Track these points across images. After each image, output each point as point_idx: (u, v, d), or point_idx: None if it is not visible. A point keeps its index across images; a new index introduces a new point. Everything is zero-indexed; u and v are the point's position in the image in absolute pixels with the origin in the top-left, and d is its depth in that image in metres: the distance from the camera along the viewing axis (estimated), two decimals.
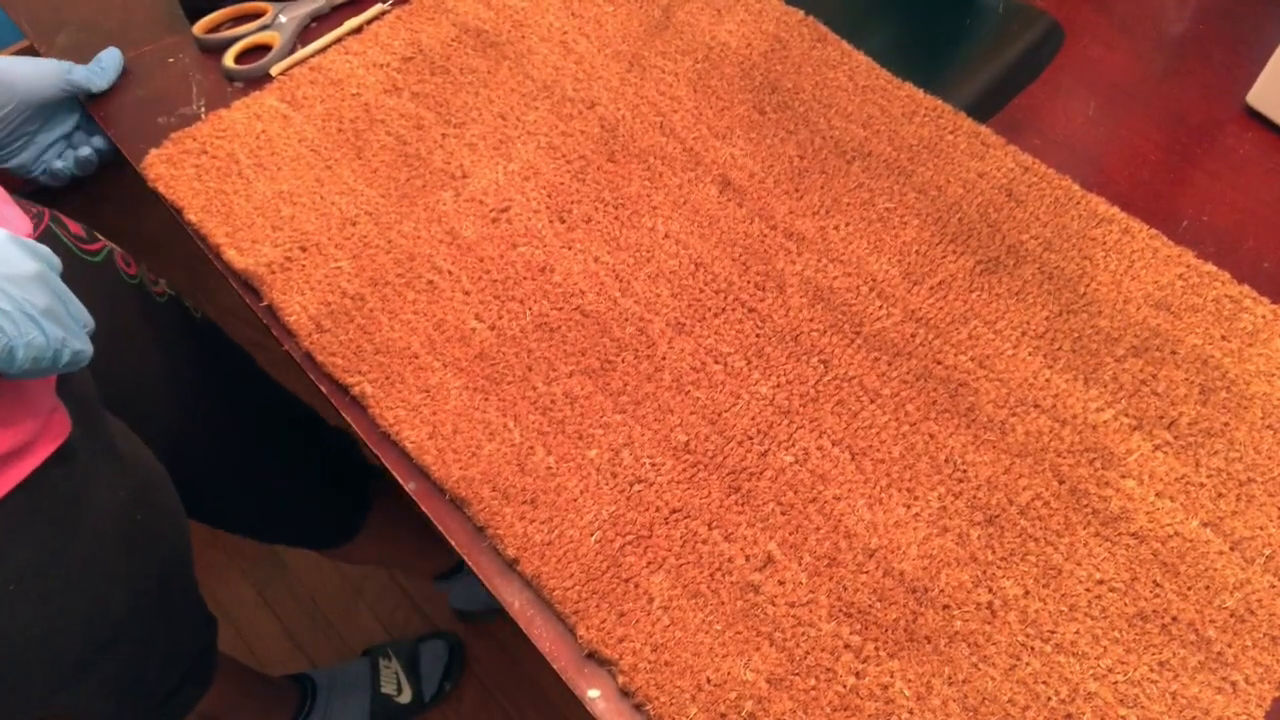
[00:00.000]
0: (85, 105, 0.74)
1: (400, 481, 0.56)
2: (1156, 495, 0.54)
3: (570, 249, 0.64)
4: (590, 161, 0.69)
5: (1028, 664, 0.49)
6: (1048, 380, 0.58)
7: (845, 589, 0.51)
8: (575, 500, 0.54)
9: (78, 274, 0.68)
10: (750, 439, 0.56)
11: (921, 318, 0.61)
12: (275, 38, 0.77)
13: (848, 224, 0.65)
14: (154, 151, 0.70)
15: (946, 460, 0.55)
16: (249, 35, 0.77)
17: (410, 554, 1.18)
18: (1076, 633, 0.49)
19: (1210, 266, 0.62)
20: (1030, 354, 0.59)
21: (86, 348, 0.50)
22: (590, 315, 0.61)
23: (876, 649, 0.49)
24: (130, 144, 0.71)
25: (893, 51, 0.76)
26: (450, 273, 0.63)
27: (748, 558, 0.52)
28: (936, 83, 0.73)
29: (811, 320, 0.61)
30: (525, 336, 0.60)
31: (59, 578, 0.55)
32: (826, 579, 0.51)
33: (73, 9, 0.82)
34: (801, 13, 0.78)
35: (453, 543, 0.54)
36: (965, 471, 0.55)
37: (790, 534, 0.53)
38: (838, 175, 0.68)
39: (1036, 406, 0.57)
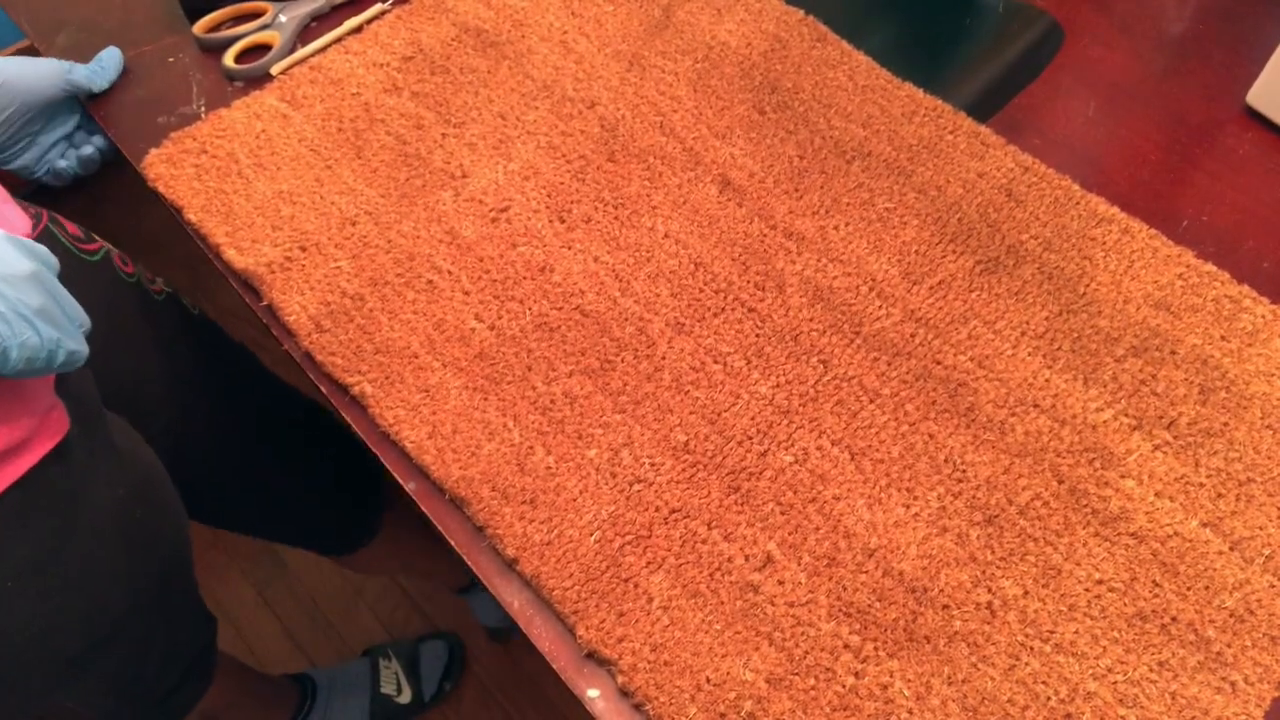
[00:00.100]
0: (85, 105, 0.74)
1: (400, 481, 0.56)
2: (1156, 495, 0.54)
3: (570, 249, 0.64)
4: (590, 161, 0.69)
5: (1027, 664, 0.49)
6: (1047, 380, 0.58)
7: (845, 589, 0.51)
8: (575, 500, 0.54)
9: (76, 273, 0.69)
10: (750, 439, 0.56)
11: (921, 318, 0.61)
12: (275, 37, 0.77)
13: (847, 224, 0.65)
14: (154, 151, 0.70)
15: (946, 460, 0.55)
16: (249, 35, 0.77)
17: (428, 566, 1.17)
18: (1076, 633, 0.49)
19: (1210, 266, 0.62)
20: (1030, 354, 0.59)
21: (82, 348, 0.50)
22: (590, 315, 0.61)
23: (876, 649, 0.49)
24: (130, 144, 0.71)
25: (893, 51, 0.76)
26: (450, 272, 0.63)
27: (747, 557, 0.52)
28: (936, 83, 0.73)
29: (811, 320, 0.61)
30: (525, 336, 0.60)
31: (58, 575, 0.55)
32: (826, 579, 0.51)
33: (73, 9, 0.82)
34: (801, 12, 0.78)
35: (452, 542, 0.54)
36: (965, 471, 0.55)
37: (790, 534, 0.53)
38: (837, 175, 0.68)
39: (1036, 406, 0.57)
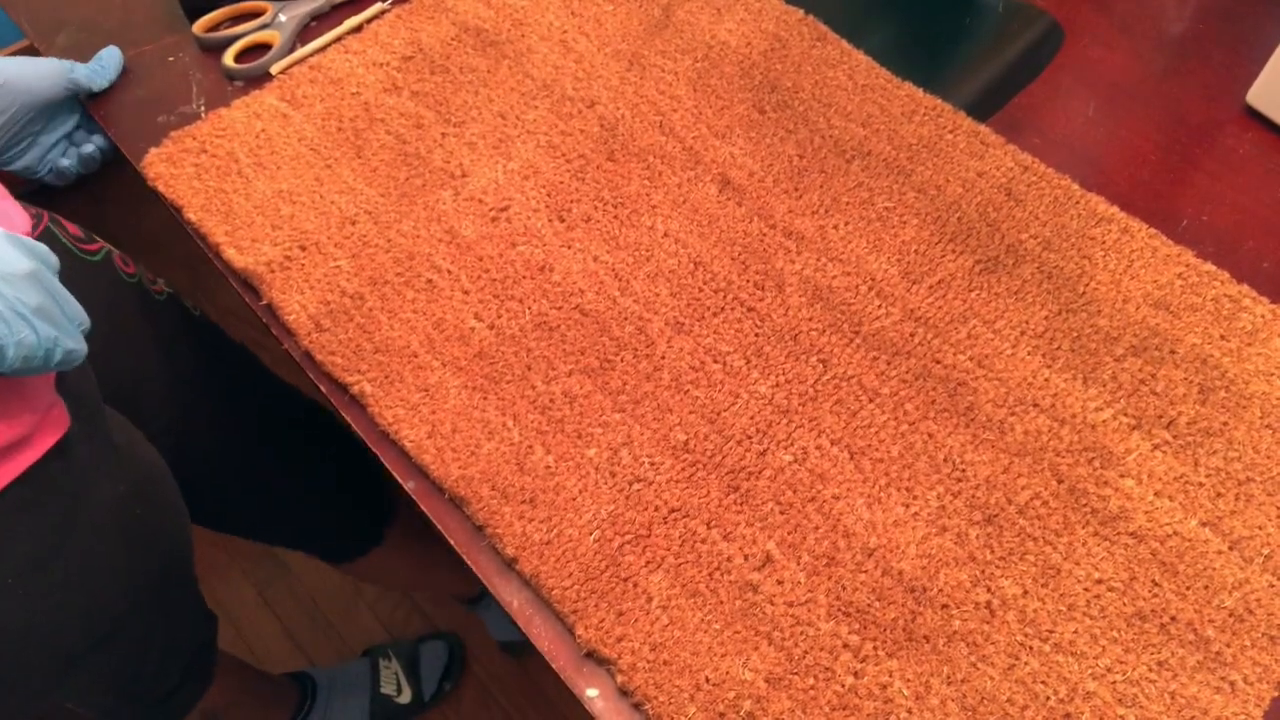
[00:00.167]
0: (85, 104, 0.74)
1: (399, 480, 0.56)
2: (1155, 495, 0.54)
3: (569, 248, 0.64)
4: (590, 160, 0.69)
5: (1026, 663, 0.49)
6: (1047, 379, 0.58)
7: (844, 588, 0.51)
8: (574, 499, 0.54)
9: (77, 274, 0.69)
10: (749, 438, 0.56)
11: (920, 317, 0.61)
12: (275, 36, 0.77)
13: (847, 223, 0.65)
14: (154, 150, 0.70)
15: (945, 459, 0.55)
16: (249, 34, 0.77)
17: (435, 580, 1.16)
18: (1075, 632, 0.49)
19: (1209, 266, 0.62)
20: (1029, 353, 0.59)
21: (80, 347, 0.50)
22: (589, 314, 0.61)
23: (875, 648, 0.49)
24: (130, 143, 0.71)
25: (893, 51, 0.76)
26: (449, 272, 0.63)
27: (746, 557, 0.52)
28: (936, 82, 0.73)
29: (810, 319, 0.61)
30: (524, 335, 0.60)
31: (58, 572, 0.55)
32: (825, 578, 0.51)
33: (73, 8, 0.82)
34: (801, 12, 0.78)
35: (451, 542, 0.54)
36: (964, 471, 0.55)
37: (789, 533, 0.53)
38: (837, 174, 0.68)
39: (1035, 406, 0.57)
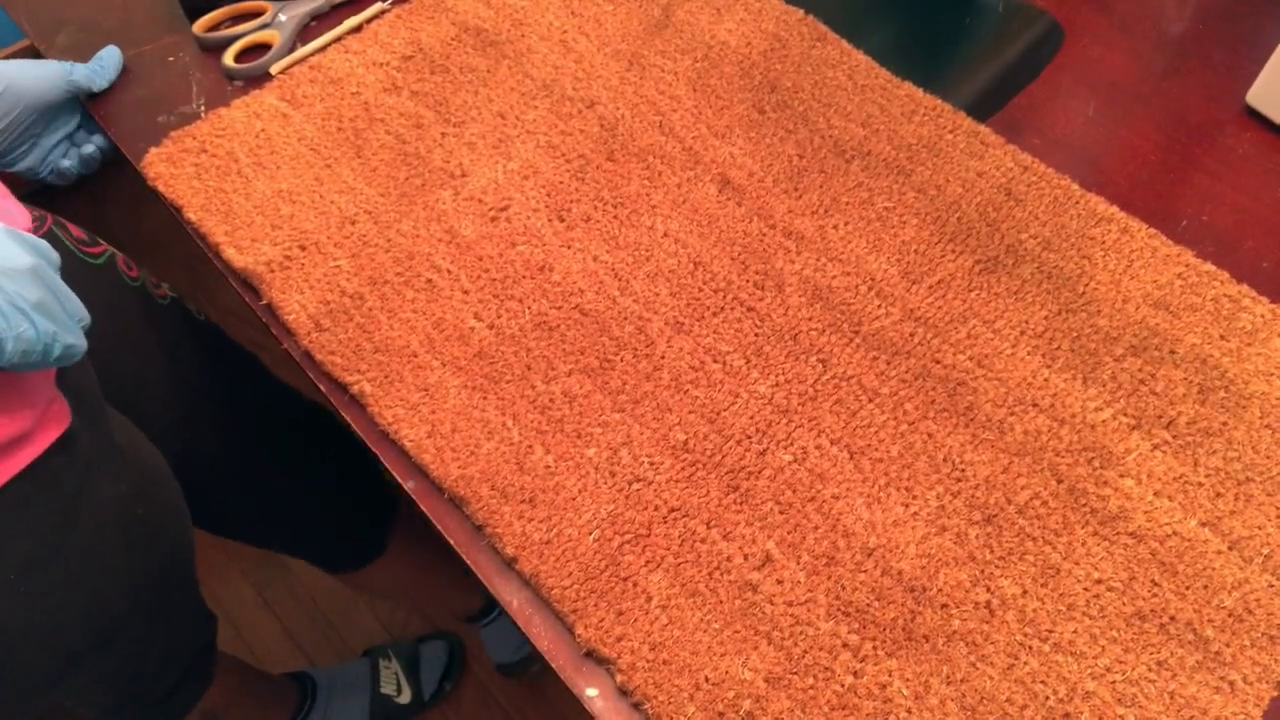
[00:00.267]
0: (85, 105, 0.74)
1: (399, 480, 0.56)
2: (1155, 495, 0.54)
3: (569, 248, 0.64)
4: (589, 160, 0.69)
5: (1026, 663, 0.49)
6: (1046, 379, 0.58)
7: (843, 588, 0.51)
8: (574, 499, 0.54)
9: (79, 276, 0.69)
10: (749, 438, 0.56)
11: (920, 317, 0.61)
12: (275, 36, 0.77)
13: (847, 223, 0.65)
14: (154, 150, 0.70)
15: (945, 459, 0.55)
16: (249, 34, 0.77)
17: (435, 594, 1.16)
18: (1074, 632, 0.49)
19: (1209, 266, 0.62)
20: (1029, 353, 0.59)
21: (79, 342, 0.50)
22: (589, 314, 0.61)
23: (875, 648, 0.49)
24: (130, 143, 0.71)
25: (893, 51, 0.76)
26: (449, 271, 0.63)
27: (746, 557, 0.52)
28: (936, 82, 0.73)
29: (810, 319, 0.61)
30: (524, 335, 0.60)
31: (59, 570, 0.55)
32: (825, 578, 0.51)
33: (73, 8, 0.82)
34: (801, 12, 0.78)
35: (451, 541, 0.54)
36: (964, 471, 0.55)
37: (789, 533, 0.53)
38: (837, 174, 0.68)
39: (1035, 406, 0.57)
